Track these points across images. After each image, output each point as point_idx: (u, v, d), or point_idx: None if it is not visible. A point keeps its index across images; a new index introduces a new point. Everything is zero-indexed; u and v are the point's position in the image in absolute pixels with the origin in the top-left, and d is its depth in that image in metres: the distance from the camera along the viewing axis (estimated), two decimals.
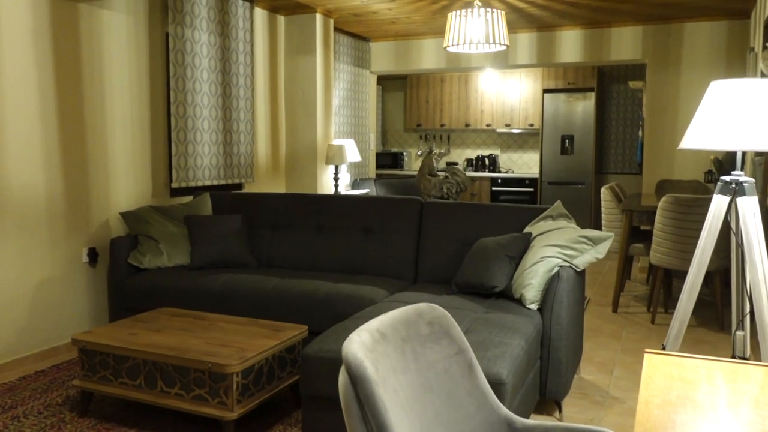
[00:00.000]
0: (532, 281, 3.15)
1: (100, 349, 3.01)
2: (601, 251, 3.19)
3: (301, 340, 3.18)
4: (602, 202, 5.52)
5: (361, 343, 1.13)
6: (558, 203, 3.66)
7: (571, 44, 6.80)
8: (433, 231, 3.93)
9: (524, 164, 9.26)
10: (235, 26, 5.31)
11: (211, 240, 4.14)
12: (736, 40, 6.21)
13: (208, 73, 5.03)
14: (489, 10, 4.89)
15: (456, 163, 9.45)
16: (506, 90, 8.91)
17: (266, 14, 5.91)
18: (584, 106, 8.33)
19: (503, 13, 4.96)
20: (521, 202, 8.71)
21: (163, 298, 3.88)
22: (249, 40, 5.48)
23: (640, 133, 7.43)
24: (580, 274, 3.33)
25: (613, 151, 8.78)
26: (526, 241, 3.42)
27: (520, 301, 3.23)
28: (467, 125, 9.18)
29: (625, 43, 6.61)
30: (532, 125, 8.80)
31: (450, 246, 3.85)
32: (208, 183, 5.06)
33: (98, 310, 4.31)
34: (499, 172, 9.12)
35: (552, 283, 3.09)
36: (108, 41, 4.29)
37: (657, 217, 4.74)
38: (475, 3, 4.99)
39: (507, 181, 8.80)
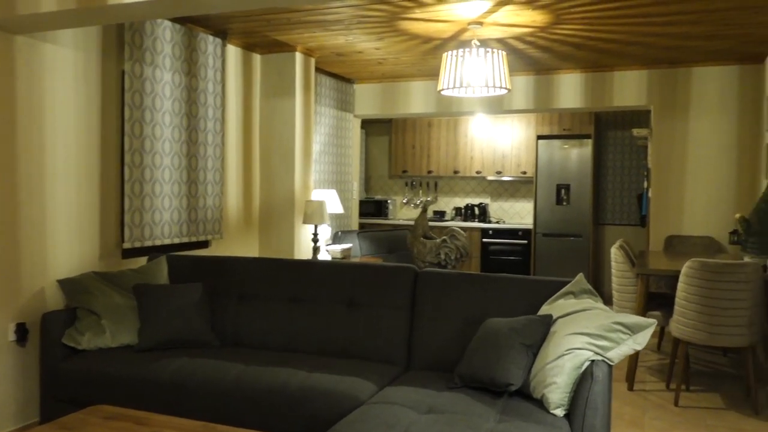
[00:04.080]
0: (556, 380, 2.53)
1: None
2: (640, 341, 2.59)
3: None
4: (613, 263, 4.95)
5: None
6: (580, 277, 3.07)
7: (570, 89, 6.32)
8: (429, 306, 3.30)
9: (516, 214, 8.72)
10: (204, 65, 4.74)
11: (165, 314, 3.47)
12: (749, 87, 5.77)
13: (171, 117, 4.43)
14: (489, 50, 4.38)
15: (443, 213, 8.88)
16: (497, 136, 8.41)
17: (240, 52, 5.35)
18: (581, 154, 7.84)
19: (505, 53, 4.45)
20: (515, 255, 8.13)
21: (103, 389, 3.19)
22: (220, 81, 4.91)
23: (645, 183, 6.93)
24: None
25: (611, 201, 8.28)
26: (546, 326, 2.81)
27: (541, 403, 2.61)
28: (456, 172, 8.65)
29: (629, 88, 6.15)
30: (524, 173, 8.29)
31: (450, 324, 3.22)
32: (168, 241, 4.41)
33: (27, 401, 3.59)
34: (490, 222, 8.55)
35: (583, 384, 2.47)
36: (51, 79, 3.68)
37: (680, 284, 4.16)
38: (473, 43, 4.48)
39: (498, 233, 8.23)
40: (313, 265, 3.63)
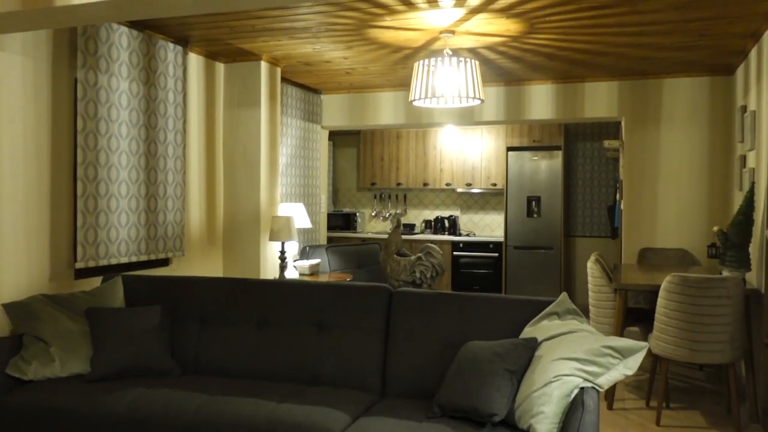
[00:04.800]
0: (544, 409, 2.37)
1: None
2: (631, 366, 2.45)
3: None
4: (589, 278, 4.84)
5: None
6: (563, 296, 2.93)
7: (542, 100, 6.23)
8: (405, 328, 3.12)
9: (486, 226, 8.61)
10: (164, 73, 4.50)
11: (120, 341, 3.22)
12: (719, 98, 5.75)
13: (129, 128, 4.18)
14: (462, 59, 4.24)
15: (413, 225, 8.73)
16: (467, 147, 8.30)
17: (202, 60, 5.12)
18: (551, 165, 7.77)
19: (478, 63, 4.32)
20: (486, 268, 8.00)
21: (52, 424, 2.92)
22: (181, 90, 4.67)
23: (617, 195, 6.88)
24: None
25: (581, 213, 8.23)
26: (531, 350, 2.64)
27: None
28: (425, 184, 8.50)
29: (600, 100, 6.09)
30: (495, 185, 8.19)
31: (427, 348, 3.04)
32: (125, 260, 4.15)
33: None
34: (460, 234, 8.42)
35: (573, 414, 2.31)
36: None
37: (660, 300, 4.06)
38: (444, 52, 4.34)
39: (469, 245, 8.10)
40: (281, 285, 3.42)
